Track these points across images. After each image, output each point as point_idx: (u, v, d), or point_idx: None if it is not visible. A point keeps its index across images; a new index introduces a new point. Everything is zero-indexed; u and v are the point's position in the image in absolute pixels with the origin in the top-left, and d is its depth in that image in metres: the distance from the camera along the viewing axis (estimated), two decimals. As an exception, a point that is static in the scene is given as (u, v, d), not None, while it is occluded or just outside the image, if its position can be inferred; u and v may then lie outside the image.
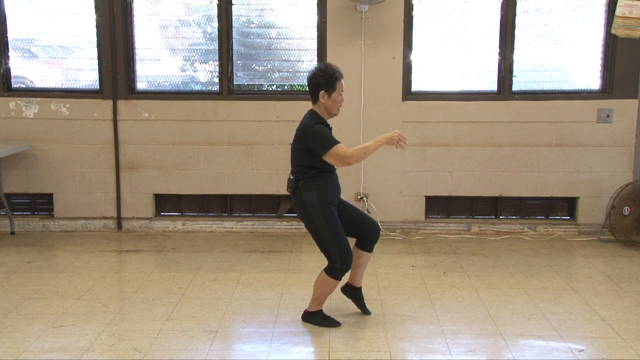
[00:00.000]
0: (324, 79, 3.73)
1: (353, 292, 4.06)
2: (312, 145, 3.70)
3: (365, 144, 3.76)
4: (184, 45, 6.08)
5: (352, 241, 3.88)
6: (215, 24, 5.88)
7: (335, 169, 3.85)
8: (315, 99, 3.80)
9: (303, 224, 3.89)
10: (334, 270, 3.77)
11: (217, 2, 5.82)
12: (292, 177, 3.83)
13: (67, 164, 6.00)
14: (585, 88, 5.94)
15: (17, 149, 5.72)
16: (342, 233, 3.77)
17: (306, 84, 3.86)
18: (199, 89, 6.12)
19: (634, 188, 5.67)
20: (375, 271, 4.91)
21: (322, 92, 3.75)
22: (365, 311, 4.06)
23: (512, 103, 5.85)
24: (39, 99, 5.91)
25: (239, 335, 3.80)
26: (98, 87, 5.95)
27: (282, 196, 6.08)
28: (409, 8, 5.77)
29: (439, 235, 5.98)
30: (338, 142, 3.68)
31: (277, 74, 6.05)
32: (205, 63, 6.10)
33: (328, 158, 3.69)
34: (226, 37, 5.85)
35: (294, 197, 3.83)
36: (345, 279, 4.01)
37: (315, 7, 5.83)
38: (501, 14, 5.79)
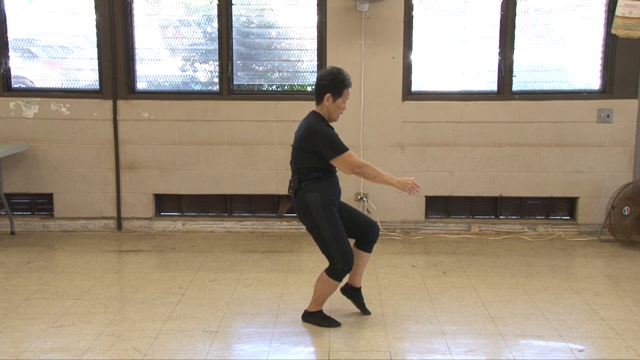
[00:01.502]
0: (334, 83, 3.75)
1: (353, 293, 4.07)
2: (321, 148, 3.70)
3: (380, 170, 3.78)
4: (184, 45, 6.08)
5: (351, 242, 3.88)
6: (215, 24, 5.88)
7: (336, 170, 3.85)
8: (319, 100, 3.81)
9: (304, 225, 3.89)
10: (335, 271, 3.77)
11: (217, 2, 5.82)
12: (294, 179, 3.83)
13: (67, 164, 6.00)
14: (585, 88, 5.94)
15: (17, 149, 5.72)
16: (344, 234, 3.77)
17: (308, 83, 3.86)
18: (199, 89, 6.11)
19: (634, 188, 5.67)
20: (375, 271, 4.91)
21: (328, 94, 3.75)
22: (365, 311, 4.06)
23: (512, 103, 5.85)
24: (39, 99, 5.91)
25: (239, 335, 3.80)
26: (98, 87, 5.95)
27: (282, 196, 6.08)
28: (409, 8, 5.77)
29: (439, 235, 5.98)
30: (348, 149, 3.71)
31: (277, 74, 6.05)
32: (205, 63, 6.10)
33: (337, 162, 3.71)
34: (226, 37, 5.85)
35: (295, 198, 3.82)
36: (345, 279, 4.01)
37: (315, 7, 5.83)
38: (501, 14, 5.79)
